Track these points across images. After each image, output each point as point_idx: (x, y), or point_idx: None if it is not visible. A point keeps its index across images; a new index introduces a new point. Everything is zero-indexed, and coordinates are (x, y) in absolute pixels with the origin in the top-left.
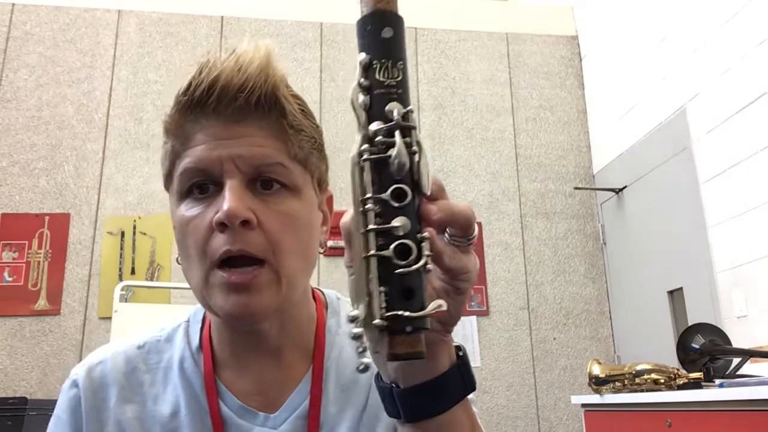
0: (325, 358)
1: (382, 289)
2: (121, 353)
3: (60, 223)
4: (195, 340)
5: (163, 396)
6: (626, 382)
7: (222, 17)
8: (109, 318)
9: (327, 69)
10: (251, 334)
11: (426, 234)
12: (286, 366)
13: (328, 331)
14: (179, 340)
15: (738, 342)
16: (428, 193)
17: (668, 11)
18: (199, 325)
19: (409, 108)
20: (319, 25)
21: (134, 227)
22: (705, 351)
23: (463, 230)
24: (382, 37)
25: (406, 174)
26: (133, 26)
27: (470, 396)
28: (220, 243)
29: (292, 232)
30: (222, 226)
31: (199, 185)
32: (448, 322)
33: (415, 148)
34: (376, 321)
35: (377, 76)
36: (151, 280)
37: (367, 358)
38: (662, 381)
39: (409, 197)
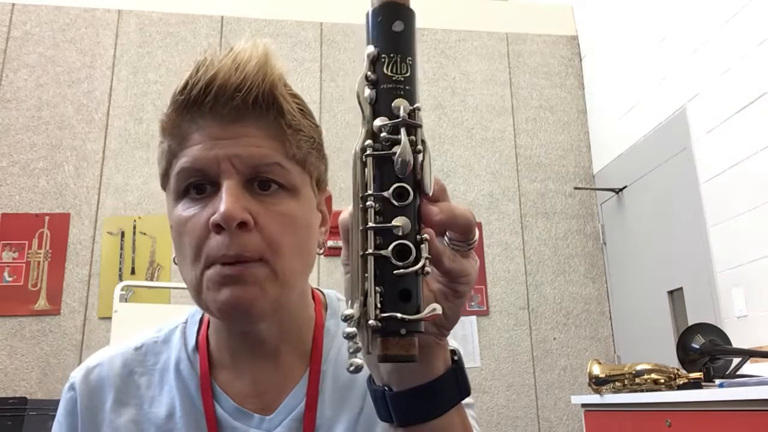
0: (323, 359)
1: (378, 289)
2: (119, 356)
3: (60, 223)
4: (191, 342)
5: (159, 398)
6: (626, 382)
7: (222, 17)
8: (109, 318)
9: (327, 69)
10: (249, 336)
11: (425, 235)
12: (284, 368)
13: (326, 332)
14: (176, 342)
15: (738, 342)
16: (430, 194)
17: (668, 11)
18: (197, 327)
19: (416, 105)
20: (319, 25)
21: (134, 227)
22: (705, 351)
23: (463, 234)
24: (392, 30)
25: (409, 173)
26: (133, 26)
27: (469, 399)
28: (216, 246)
29: (291, 233)
30: (218, 227)
31: (196, 185)
32: (444, 325)
33: (419, 147)
34: (371, 322)
35: (385, 70)
36: (151, 280)
37: (359, 359)
38: (662, 381)
39: (411, 197)
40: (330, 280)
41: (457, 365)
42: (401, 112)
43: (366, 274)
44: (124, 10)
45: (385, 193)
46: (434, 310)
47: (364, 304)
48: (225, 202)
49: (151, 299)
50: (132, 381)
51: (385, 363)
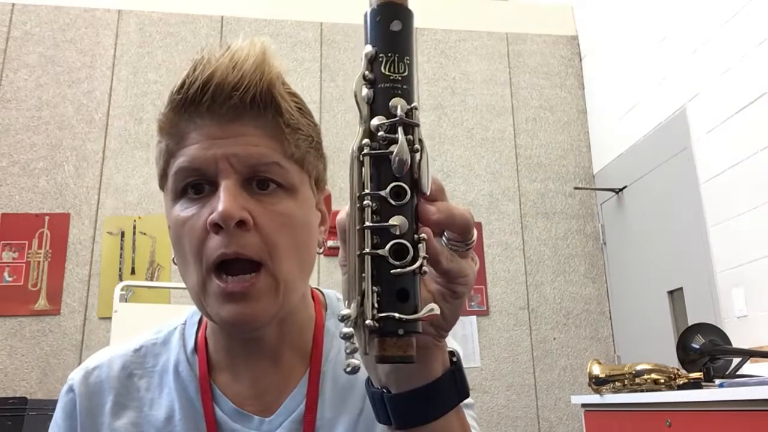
0: (323, 360)
1: (375, 289)
2: (118, 357)
3: (60, 223)
4: (190, 343)
5: (159, 400)
6: (626, 382)
7: (222, 17)
8: (109, 318)
9: (327, 69)
10: (248, 338)
11: (423, 235)
12: (284, 369)
13: (326, 332)
14: (175, 343)
15: (738, 342)
16: (428, 193)
17: (668, 11)
18: (195, 328)
19: (413, 105)
20: (319, 25)
21: (134, 227)
22: (705, 351)
23: (461, 234)
24: (390, 30)
25: (406, 172)
26: (133, 26)
27: (469, 400)
28: (215, 245)
29: (289, 233)
30: (216, 227)
31: (194, 185)
32: (442, 326)
33: (417, 146)
34: (368, 322)
35: (383, 70)
36: (151, 280)
37: (356, 360)
38: (662, 381)
39: (408, 196)
40: (330, 280)
41: (455, 366)
42: (398, 111)
43: (363, 274)
44: (124, 10)
45: (382, 192)
46: (432, 310)
47: (361, 304)
48: (223, 201)
49: (151, 299)
50: (131, 383)
51: (383, 364)
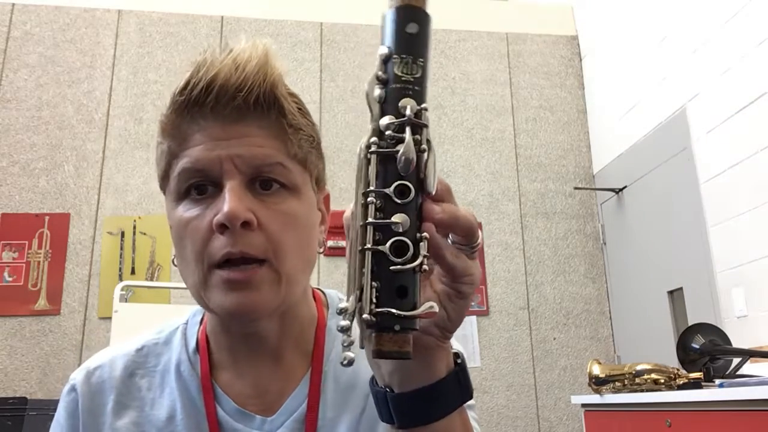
0: (325, 359)
1: (374, 284)
2: (119, 357)
3: (60, 223)
4: (192, 343)
5: (160, 400)
6: (626, 382)
7: (222, 17)
8: (109, 318)
9: (327, 69)
10: (249, 336)
11: (425, 234)
12: (285, 368)
13: (328, 331)
14: (177, 343)
15: (738, 342)
16: (432, 193)
17: (668, 11)
18: (197, 327)
19: (423, 106)
20: (319, 25)
21: (134, 227)
22: (705, 351)
23: (465, 236)
24: (406, 32)
25: (412, 171)
26: (133, 26)
27: (470, 401)
28: (220, 245)
29: (293, 232)
30: (222, 227)
31: (197, 186)
32: (447, 327)
33: (424, 146)
34: (365, 316)
35: (396, 71)
36: (151, 280)
37: (352, 353)
38: (662, 381)
39: (412, 195)
40: (330, 280)
41: (459, 368)
42: (407, 111)
43: (363, 269)
44: (124, 10)
45: (387, 190)
46: (431, 307)
47: (360, 299)
48: (229, 202)
49: (151, 299)
50: (133, 383)
51: (379, 359)
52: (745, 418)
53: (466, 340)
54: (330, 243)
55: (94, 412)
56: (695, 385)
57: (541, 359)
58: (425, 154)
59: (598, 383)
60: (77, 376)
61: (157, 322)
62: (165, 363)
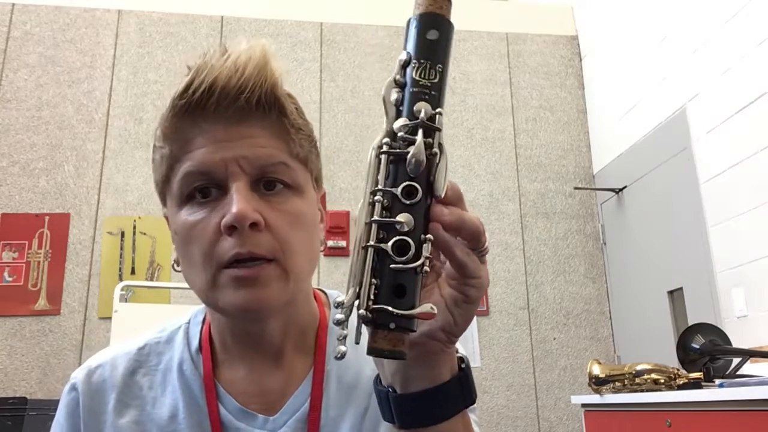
0: (327, 359)
1: (374, 281)
2: (121, 356)
3: (60, 223)
4: (194, 342)
5: (162, 399)
6: (626, 382)
7: (222, 17)
8: (109, 318)
9: (327, 69)
10: (252, 335)
11: (429, 236)
12: (287, 367)
13: (330, 331)
14: (179, 342)
15: (738, 342)
16: (441, 196)
17: (668, 11)
18: (199, 327)
19: (438, 110)
20: (319, 25)
21: (134, 227)
22: (705, 351)
23: (471, 240)
24: (426, 38)
25: (421, 173)
26: (133, 26)
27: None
28: (228, 246)
29: (299, 231)
30: (231, 229)
31: (202, 189)
32: (453, 332)
33: (436, 150)
34: (361, 311)
35: (414, 75)
36: (151, 280)
37: (345, 347)
38: (662, 381)
39: (420, 196)
40: (330, 280)
41: (463, 373)
42: (421, 115)
43: (365, 266)
44: (124, 10)
45: (395, 190)
46: (430, 309)
47: (358, 294)
48: (237, 203)
49: (151, 299)
50: (134, 382)
51: (374, 356)
52: (745, 418)
53: (466, 340)
54: (330, 243)
55: (95, 410)
56: (695, 385)
57: (541, 359)
58: (436, 158)
59: (598, 383)
60: (78, 375)
61: (157, 322)
62: (167, 362)
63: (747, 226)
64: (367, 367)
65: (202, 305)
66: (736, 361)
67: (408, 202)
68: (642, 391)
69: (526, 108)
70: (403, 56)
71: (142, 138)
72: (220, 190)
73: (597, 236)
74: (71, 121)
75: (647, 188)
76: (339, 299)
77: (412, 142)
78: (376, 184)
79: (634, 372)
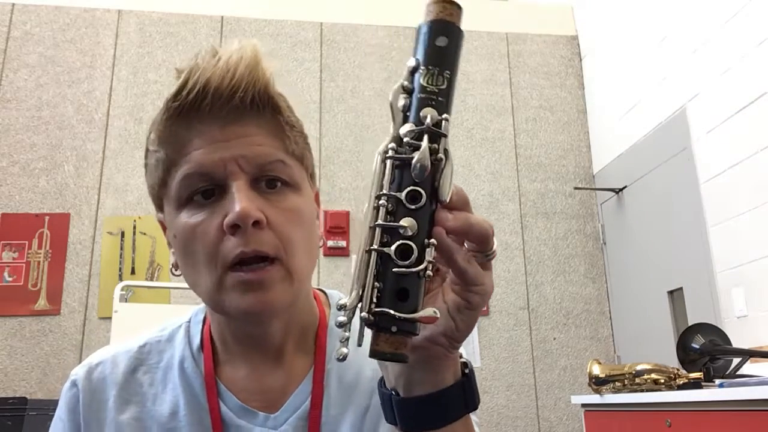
0: (327, 358)
1: (377, 284)
2: (121, 354)
3: (60, 223)
4: (196, 340)
5: (162, 396)
6: (626, 382)
7: (222, 17)
8: (109, 318)
9: (327, 69)
10: (254, 334)
11: (432, 240)
12: (288, 366)
13: (330, 330)
14: (180, 340)
15: (738, 342)
16: (446, 201)
17: (668, 11)
18: (200, 326)
19: (444, 116)
20: (319, 25)
21: (134, 227)
22: (705, 351)
23: (479, 243)
24: (435, 44)
25: (426, 178)
26: (133, 26)
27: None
28: (232, 245)
29: (300, 228)
30: (234, 228)
31: (204, 191)
32: (455, 337)
33: (441, 155)
34: (363, 314)
35: (421, 81)
36: (151, 280)
37: (346, 348)
38: (662, 381)
39: (424, 200)
40: (330, 280)
41: (466, 378)
42: (427, 120)
43: (368, 269)
44: (124, 10)
45: (399, 195)
46: (432, 313)
47: (361, 297)
48: (239, 201)
49: (151, 299)
50: (134, 379)
51: (376, 359)
52: (745, 418)
53: (466, 340)
54: (330, 243)
55: (95, 407)
56: (695, 385)
57: (541, 359)
58: (442, 163)
59: (598, 383)
60: (79, 372)
61: (157, 322)
62: (168, 360)
63: (747, 226)
64: (368, 366)
65: (202, 304)
66: (736, 361)
67: (412, 207)
68: (642, 391)
69: (526, 108)
70: (412, 62)
71: (142, 138)
72: (220, 190)
73: (597, 236)
74: (71, 121)
75: (647, 188)
76: (342, 301)
77: (418, 148)
78: (381, 189)
79: (634, 372)
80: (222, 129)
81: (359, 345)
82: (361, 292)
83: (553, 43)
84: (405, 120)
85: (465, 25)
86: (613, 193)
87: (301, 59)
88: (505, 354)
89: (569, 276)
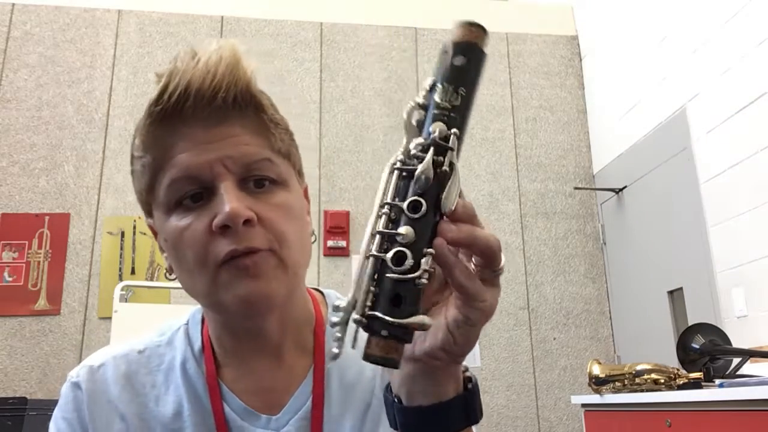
0: (327, 357)
1: (372, 289)
2: (122, 357)
3: (60, 223)
4: (197, 342)
5: (165, 397)
6: (626, 382)
7: (222, 17)
8: (109, 318)
9: (327, 69)
10: (251, 333)
11: (430, 249)
12: (287, 365)
13: (328, 330)
14: (180, 343)
15: (738, 342)
16: (448, 213)
17: (668, 11)
18: (199, 327)
19: (453, 131)
20: (319, 25)
21: (134, 227)
22: (705, 351)
23: (485, 258)
24: (453, 63)
25: (430, 190)
26: (133, 26)
27: None
28: (223, 245)
29: (291, 223)
30: (224, 228)
31: (192, 195)
32: (454, 352)
33: (446, 168)
34: (355, 317)
35: (435, 98)
36: (151, 280)
37: (336, 349)
38: (662, 381)
39: (424, 210)
40: (330, 280)
41: (468, 393)
42: (435, 134)
43: (365, 274)
44: (124, 10)
45: (401, 204)
46: (422, 320)
47: (356, 301)
48: (228, 202)
49: (151, 299)
50: (137, 380)
51: (368, 362)
52: (745, 418)
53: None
54: (330, 243)
55: (100, 408)
56: (695, 385)
57: (541, 359)
58: (447, 176)
59: (598, 383)
60: (81, 374)
61: (157, 322)
62: (169, 362)
63: (747, 226)
64: (368, 366)
65: (199, 305)
66: (736, 361)
67: (413, 216)
68: (642, 391)
69: (526, 108)
70: (429, 81)
71: None
72: (209, 192)
73: (597, 236)
74: (71, 121)
75: (647, 188)
76: (336, 303)
77: (422, 160)
78: (386, 198)
79: (634, 372)
80: (206, 130)
81: (353, 347)
82: (356, 296)
83: (553, 43)
84: (418, 135)
85: None
86: (613, 193)
87: (301, 59)
88: (505, 354)
89: (569, 276)
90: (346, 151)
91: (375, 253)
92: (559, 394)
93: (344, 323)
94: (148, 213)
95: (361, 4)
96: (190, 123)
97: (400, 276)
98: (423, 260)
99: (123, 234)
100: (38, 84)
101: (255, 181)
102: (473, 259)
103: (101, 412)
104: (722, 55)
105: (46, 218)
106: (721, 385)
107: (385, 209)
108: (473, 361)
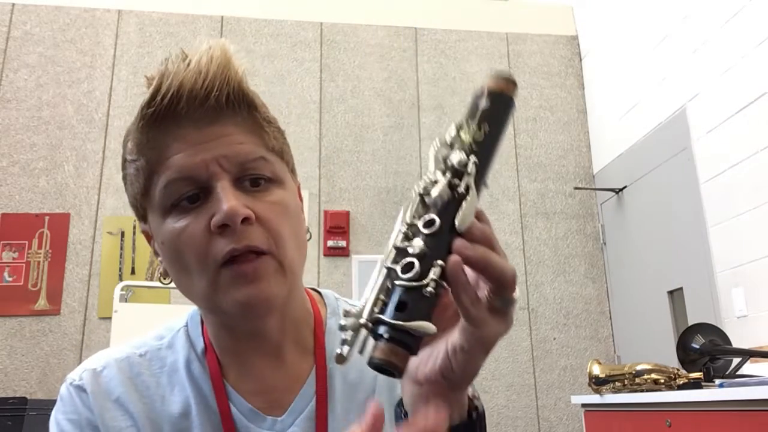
0: (328, 357)
1: (381, 296)
2: (124, 359)
3: (60, 223)
4: (199, 344)
5: (171, 397)
6: (626, 382)
7: (222, 17)
8: (109, 318)
9: (327, 69)
10: (251, 334)
11: (439, 261)
12: (289, 366)
13: (328, 330)
14: (181, 345)
15: (738, 342)
16: (460, 231)
17: (668, 11)
18: (200, 328)
19: (473, 160)
20: (319, 25)
21: (134, 227)
22: (705, 351)
23: (496, 285)
24: (478, 104)
25: (446, 210)
26: (133, 26)
27: None
28: (222, 245)
29: (287, 221)
30: (223, 227)
31: (189, 196)
32: (453, 379)
33: (462, 190)
34: (361, 321)
35: (461, 134)
36: (151, 280)
37: (340, 350)
38: (662, 381)
39: (437, 226)
40: (330, 280)
41: (470, 422)
42: (454, 161)
43: (377, 282)
44: (124, 10)
45: (417, 221)
46: (425, 325)
47: (365, 306)
48: (226, 201)
49: (151, 299)
50: (141, 381)
51: (372, 368)
52: (745, 418)
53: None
54: (330, 243)
55: (107, 409)
56: (695, 385)
57: (541, 359)
58: (462, 198)
59: (598, 383)
60: (84, 377)
61: (157, 322)
62: (171, 364)
63: (747, 226)
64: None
65: (195, 306)
66: (736, 361)
67: (426, 232)
68: (642, 391)
69: (526, 108)
70: (457, 121)
71: None
72: (205, 193)
73: (597, 236)
74: (71, 121)
75: (647, 188)
76: (346, 307)
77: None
78: (407, 219)
79: (634, 372)
80: (200, 131)
81: (360, 353)
82: (366, 303)
83: (553, 43)
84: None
85: (465, 25)
86: (613, 193)
87: (301, 59)
88: (505, 354)
89: (569, 276)
90: (346, 151)
91: (388, 264)
92: (559, 394)
93: (354, 328)
94: (143, 218)
95: (361, 4)
96: (183, 124)
97: (406, 283)
98: (431, 271)
99: (123, 234)
100: (38, 84)
101: (251, 180)
102: (486, 287)
103: (109, 411)
104: (722, 55)
105: (46, 218)
106: (721, 385)
107: (404, 228)
108: None
